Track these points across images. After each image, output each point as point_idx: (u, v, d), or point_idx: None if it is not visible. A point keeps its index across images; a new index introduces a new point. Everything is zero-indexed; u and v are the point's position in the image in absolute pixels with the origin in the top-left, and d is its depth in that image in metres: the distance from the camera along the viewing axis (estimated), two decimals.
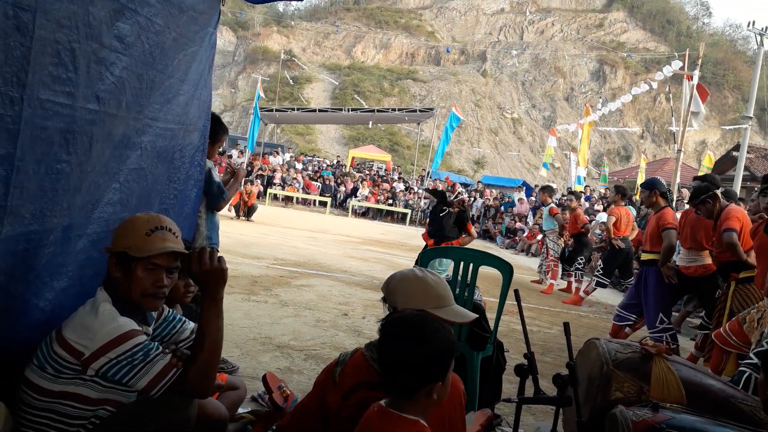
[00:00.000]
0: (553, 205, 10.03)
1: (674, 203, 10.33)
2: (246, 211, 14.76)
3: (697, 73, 14.71)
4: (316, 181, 23.30)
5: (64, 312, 1.84)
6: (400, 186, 24.08)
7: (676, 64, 16.12)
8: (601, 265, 8.50)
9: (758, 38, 17.42)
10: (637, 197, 16.61)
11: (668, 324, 5.12)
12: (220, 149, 20.95)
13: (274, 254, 9.21)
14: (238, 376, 3.47)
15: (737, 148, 19.61)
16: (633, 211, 9.60)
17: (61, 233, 1.87)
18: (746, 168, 19.44)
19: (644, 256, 5.41)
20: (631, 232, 8.51)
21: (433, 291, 1.88)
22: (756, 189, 4.31)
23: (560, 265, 9.81)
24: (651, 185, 5.47)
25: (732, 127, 32.52)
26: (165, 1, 2.20)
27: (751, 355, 2.99)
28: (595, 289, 8.60)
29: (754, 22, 17.41)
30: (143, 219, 1.87)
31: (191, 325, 2.15)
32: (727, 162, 22.63)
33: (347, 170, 26.09)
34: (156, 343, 1.78)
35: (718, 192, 4.78)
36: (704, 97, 14.74)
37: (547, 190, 10.44)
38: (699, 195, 4.82)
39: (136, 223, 1.85)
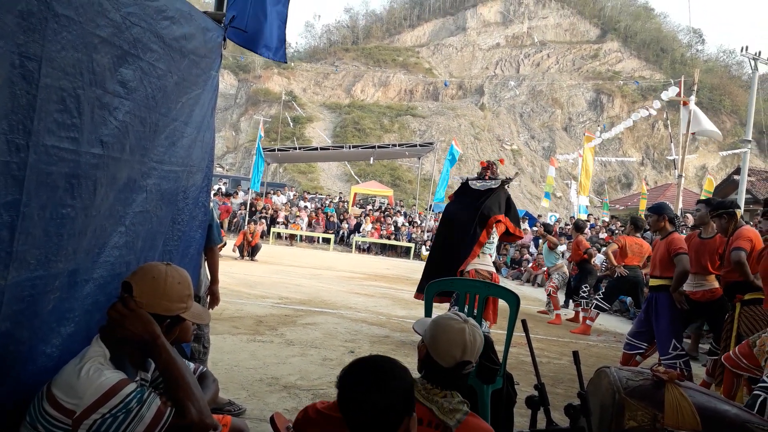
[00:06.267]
0: (544, 236, 10.19)
1: (679, 228, 10.29)
2: (250, 250, 14.77)
3: (693, 99, 14.85)
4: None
5: (72, 358, 1.83)
6: (402, 220, 24.12)
7: (673, 90, 16.29)
8: (603, 290, 8.42)
9: (752, 63, 17.64)
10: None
11: (681, 350, 5.06)
12: (223, 191, 20.93)
13: (279, 293, 9.17)
14: (245, 418, 3.43)
15: (738, 171, 19.66)
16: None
17: (67, 278, 1.87)
18: (748, 191, 19.45)
19: (653, 282, 5.35)
20: (647, 265, 8.25)
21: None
22: (759, 212, 4.31)
23: (558, 292, 9.81)
24: (659, 210, 5.43)
25: (731, 152, 32.65)
26: (166, 46, 2.25)
27: (765, 378, 2.94)
28: (598, 314, 8.51)
29: (747, 47, 17.65)
30: (183, 275, 1.93)
31: (192, 365, 2.14)
32: (728, 186, 22.66)
33: (348, 207, 26.18)
34: (145, 388, 1.75)
35: (738, 212, 4.76)
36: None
37: (543, 227, 10.64)
38: (721, 207, 4.82)
39: (185, 284, 1.92)
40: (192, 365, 2.14)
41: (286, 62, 3.34)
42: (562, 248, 11.03)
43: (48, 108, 1.62)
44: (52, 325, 1.85)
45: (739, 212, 4.78)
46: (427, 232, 22.89)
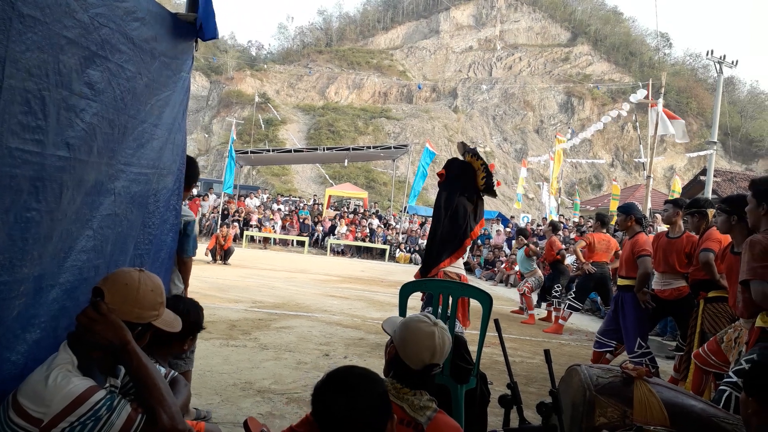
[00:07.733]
0: (526, 246, 10.23)
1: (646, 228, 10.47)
2: (223, 254, 14.62)
3: (661, 101, 15.16)
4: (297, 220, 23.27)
5: (38, 365, 1.79)
6: (377, 222, 24.13)
7: (642, 93, 16.61)
8: (574, 290, 8.54)
9: (717, 66, 18.08)
10: (613, 222, 16.89)
11: (647, 348, 5.16)
12: (195, 193, 20.52)
13: (253, 297, 9.10)
14: (219, 423, 3.39)
15: (704, 172, 20.13)
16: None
17: (33, 283, 1.82)
18: (714, 191, 19.93)
19: (620, 282, 5.47)
20: (615, 260, 8.38)
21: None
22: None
23: (532, 292, 9.91)
24: (627, 210, 5.56)
25: (697, 153, 33.41)
26: (136, 48, 2.22)
27: (731, 374, 3.01)
28: (570, 313, 8.61)
29: (712, 51, 18.09)
30: (156, 282, 1.92)
31: (163, 370, 2.11)
32: (695, 186, 23.18)
33: (322, 209, 26.09)
34: (115, 395, 1.72)
35: (710, 212, 4.85)
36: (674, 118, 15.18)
37: (521, 233, 10.71)
38: (693, 206, 4.91)
39: (158, 291, 1.91)
40: (163, 370, 2.11)
41: (216, 38, 3.22)
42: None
43: (12, 110, 1.59)
44: (17, 331, 1.80)
45: (711, 212, 4.87)
46: (402, 234, 22.95)
